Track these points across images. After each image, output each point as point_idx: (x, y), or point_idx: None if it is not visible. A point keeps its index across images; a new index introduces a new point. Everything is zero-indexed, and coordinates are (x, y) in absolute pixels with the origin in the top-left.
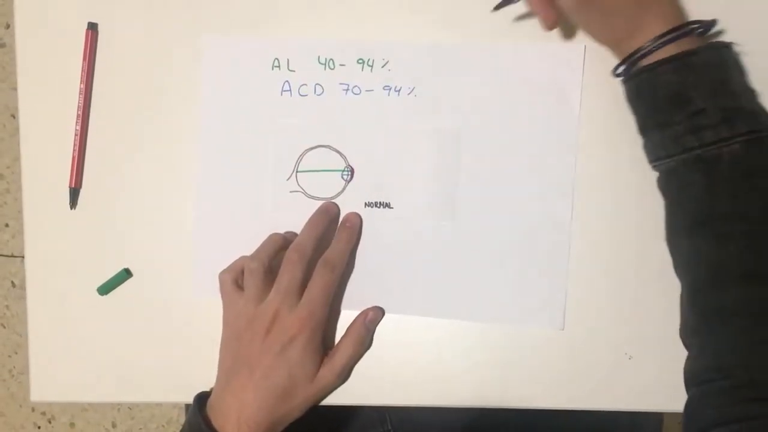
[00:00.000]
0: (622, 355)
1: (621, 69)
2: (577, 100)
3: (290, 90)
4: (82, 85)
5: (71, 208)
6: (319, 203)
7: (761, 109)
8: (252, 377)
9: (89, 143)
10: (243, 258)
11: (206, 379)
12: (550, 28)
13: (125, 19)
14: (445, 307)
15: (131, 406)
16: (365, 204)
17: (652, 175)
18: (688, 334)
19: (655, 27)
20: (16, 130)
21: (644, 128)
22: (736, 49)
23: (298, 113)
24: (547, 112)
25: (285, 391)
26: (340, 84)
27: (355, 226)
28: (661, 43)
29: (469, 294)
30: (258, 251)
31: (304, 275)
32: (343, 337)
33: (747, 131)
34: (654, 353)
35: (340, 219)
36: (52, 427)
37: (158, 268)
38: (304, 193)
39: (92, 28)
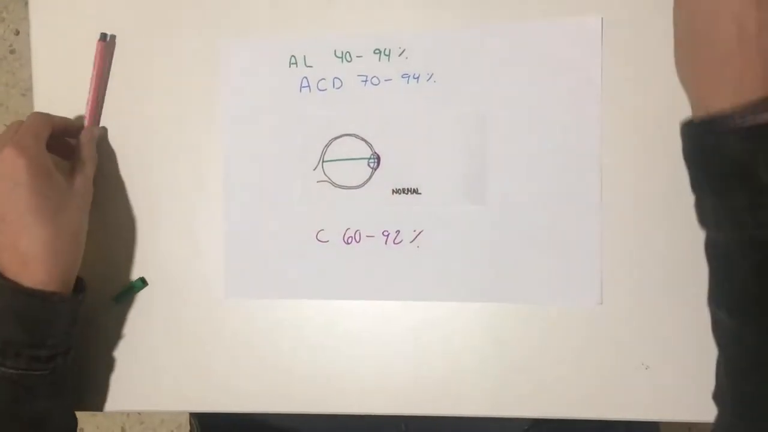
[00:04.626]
0: (639, 365)
1: (693, 125)
2: (598, 74)
3: (309, 86)
4: (89, 96)
5: None
6: (347, 192)
7: None
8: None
9: (105, 150)
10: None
11: (221, 388)
12: None
13: (140, 28)
14: (478, 291)
15: (140, 411)
16: (393, 191)
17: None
18: (720, 402)
19: (749, 90)
20: None
21: (698, 188)
22: None
23: (319, 107)
24: (568, 88)
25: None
26: (359, 76)
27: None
28: (754, 117)
29: (502, 276)
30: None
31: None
32: (80, 158)
33: None
34: (672, 363)
35: None
36: None
37: (174, 278)
38: (331, 182)
39: (103, 38)
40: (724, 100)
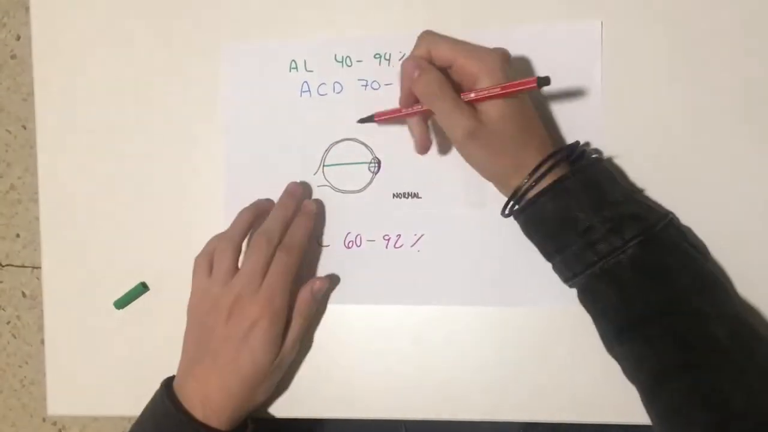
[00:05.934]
0: None
1: (508, 208)
2: (598, 77)
3: (309, 90)
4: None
5: None
6: (347, 196)
7: (642, 209)
8: (216, 365)
9: (107, 155)
10: (216, 237)
11: None
12: (423, 152)
13: (140, 32)
14: (479, 295)
15: None
16: (393, 195)
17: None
18: None
19: (532, 161)
20: (27, 140)
21: (546, 254)
22: (605, 160)
23: (319, 112)
24: (568, 91)
25: (249, 378)
26: (359, 80)
27: (310, 213)
28: (537, 178)
29: (503, 280)
30: (229, 230)
31: (268, 260)
32: (294, 314)
33: (636, 234)
34: None
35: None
36: None
37: (174, 282)
38: (332, 187)
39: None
40: (521, 175)
